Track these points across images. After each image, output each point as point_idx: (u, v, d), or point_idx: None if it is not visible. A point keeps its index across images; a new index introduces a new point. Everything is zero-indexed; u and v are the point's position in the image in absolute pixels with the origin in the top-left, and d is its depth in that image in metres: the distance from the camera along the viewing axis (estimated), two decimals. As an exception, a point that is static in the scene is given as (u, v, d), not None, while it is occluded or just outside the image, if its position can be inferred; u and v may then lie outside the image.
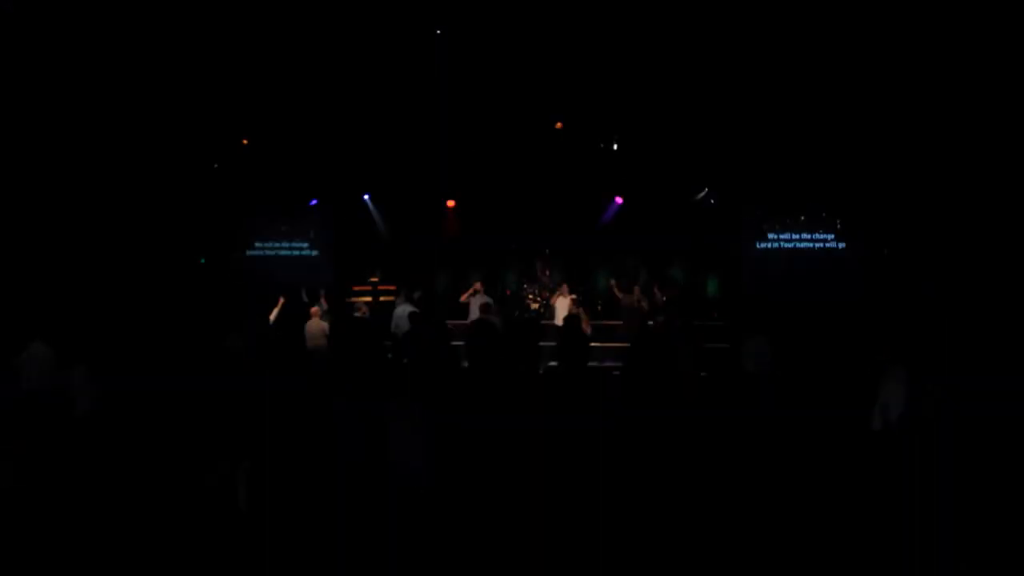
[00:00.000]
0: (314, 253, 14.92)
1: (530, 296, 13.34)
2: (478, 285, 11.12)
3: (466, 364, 6.33)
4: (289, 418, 5.98)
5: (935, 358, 7.41)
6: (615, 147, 12.72)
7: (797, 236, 13.82)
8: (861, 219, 13.08)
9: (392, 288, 12.73)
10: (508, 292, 14.09)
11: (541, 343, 7.43)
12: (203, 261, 13.94)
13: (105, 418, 6.56)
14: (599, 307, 13.38)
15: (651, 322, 10.25)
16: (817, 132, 11.54)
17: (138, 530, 4.72)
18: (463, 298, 11.13)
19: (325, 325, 9.39)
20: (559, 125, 12.15)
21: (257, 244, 14.82)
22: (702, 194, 13.92)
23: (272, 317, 9.97)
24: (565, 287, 11.21)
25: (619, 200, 14.12)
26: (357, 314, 10.04)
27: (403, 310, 9.55)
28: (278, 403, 6.23)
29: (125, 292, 11.34)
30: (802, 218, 13.71)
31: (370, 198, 14.66)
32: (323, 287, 11.98)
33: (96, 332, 7.63)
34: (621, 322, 10.91)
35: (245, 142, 12.79)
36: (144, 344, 8.22)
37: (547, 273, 13.94)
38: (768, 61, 10.01)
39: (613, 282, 11.42)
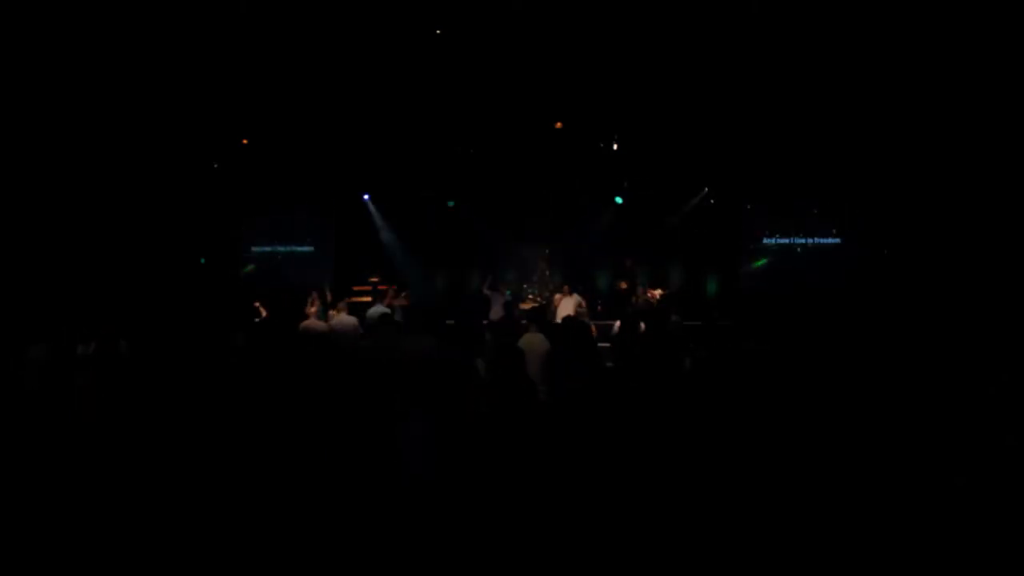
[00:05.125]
0: (312, 251, 14.99)
1: (530, 296, 13.34)
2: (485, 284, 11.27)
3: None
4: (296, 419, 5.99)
5: (933, 357, 7.43)
6: (615, 147, 12.73)
7: (798, 239, 13.89)
8: (861, 220, 13.12)
9: (392, 288, 12.72)
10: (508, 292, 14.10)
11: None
12: (203, 261, 13.95)
13: (108, 419, 6.56)
14: (599, 307, 13.39)
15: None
16: (816, 132, 11.56)
17: (138, 532, 4.73)
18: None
19: (323, 324, 9.37)
20: (559, 125, 12.16)
21: (257, 244, 14.86)
22: (702, 194, 13.96)
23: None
24: (567, 287, 11.21)
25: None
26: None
27: (376, 311, 9.59)
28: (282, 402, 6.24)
29: (126, 292, 11.35)
30: (802, 219, 13.76)
31: (370, 198, 14.70)
32: (318, 287, 12.01)
33: (97, 332, 7.62)
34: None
35: (245, 142, 12.80)
36: (146, 344, 8.22)
37: (547, 273, 13.97)
38: (768, 61, 10.03)
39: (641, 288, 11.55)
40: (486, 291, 11.25)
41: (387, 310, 9.37)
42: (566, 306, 10.26)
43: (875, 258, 12.81)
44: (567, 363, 6.06)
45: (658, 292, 11.53)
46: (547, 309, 10.64)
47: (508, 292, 13.44)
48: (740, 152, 12.45)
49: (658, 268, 13.35)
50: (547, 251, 14.67)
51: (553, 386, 6.08)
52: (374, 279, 13.38)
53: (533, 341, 6.51)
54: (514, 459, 5.19)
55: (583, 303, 10.61)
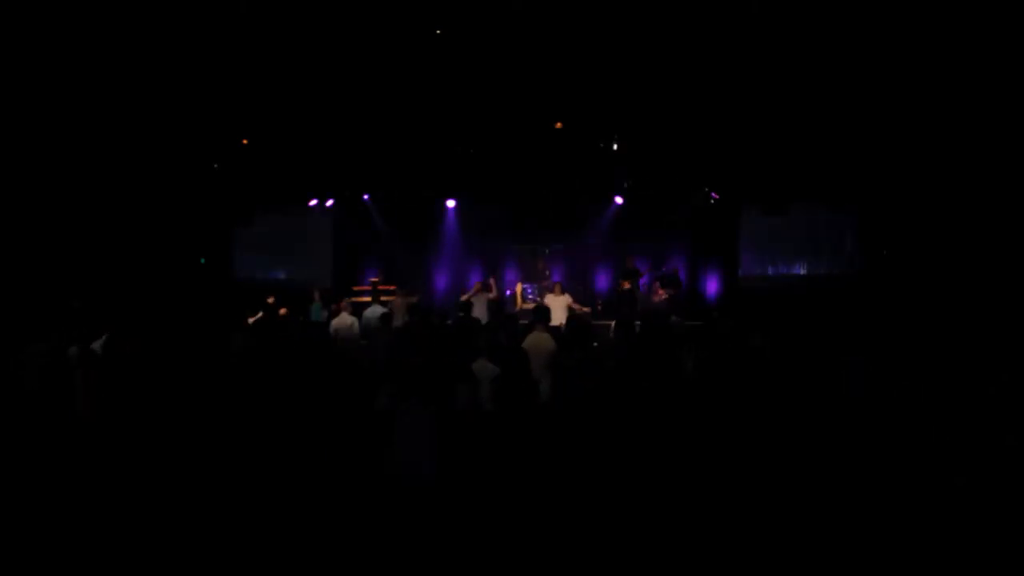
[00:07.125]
0: (313, 253, 14.99)
1: (529, 296, 13.35)
2: (479, 285, 11.20)
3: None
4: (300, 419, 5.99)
5: (933, 357, 7.42)
6: (615, 147, 12.73)
7: (798, 238, 13.89)
8: (861, 220, 13.12)
9: (392, 288, 12.73)
10: (508, 292, 14.11)
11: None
12: (203, 261, 13.95)
13: (108, 419, 6.55)
14: (599, 307, 13.39)
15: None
16: (817, 132, 11.56)
17: (137, 533, 4.72)
18: (464, 297, 11.11)
19: (355, 321, 9.25)
20: (559, 125, 12.16)
21: (257, 243, 14.85)
22: (702, 193, 13.97)
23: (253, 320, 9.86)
24: (558, 286, 11.21)
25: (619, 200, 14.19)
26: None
27: (373, 311, 9.57)
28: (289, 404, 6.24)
29: (126, 292, 11.34)
30: (803, 218, 13.76)
31: (370, 198, 14.70)
32: (321, 288, 12.02)
33: (97, 332, 7.61)
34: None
35: (245, 142, 12.79)
36: (146, 344, 8.21)
37: (547, 273, 13.99)
38: (768, 61, 10.03)
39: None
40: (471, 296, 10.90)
41: (385, 310, 9.35)
42: (555, 305, 10.20)
43: (875, 259, 12.81)
44: (579, 363, 6.04)
45: (663, 293, 11.52)
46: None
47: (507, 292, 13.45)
48: (740, 151, 12.45)
49: (659, 268, 13.35)
50: (547, 251, 14.69)
51: (564, 386, 6.05)
52: (374, 279, 13.38)
53: (539, 340, 6.49)
54: (517, 460, 5.18)
55: (573, 301, 10.61)
